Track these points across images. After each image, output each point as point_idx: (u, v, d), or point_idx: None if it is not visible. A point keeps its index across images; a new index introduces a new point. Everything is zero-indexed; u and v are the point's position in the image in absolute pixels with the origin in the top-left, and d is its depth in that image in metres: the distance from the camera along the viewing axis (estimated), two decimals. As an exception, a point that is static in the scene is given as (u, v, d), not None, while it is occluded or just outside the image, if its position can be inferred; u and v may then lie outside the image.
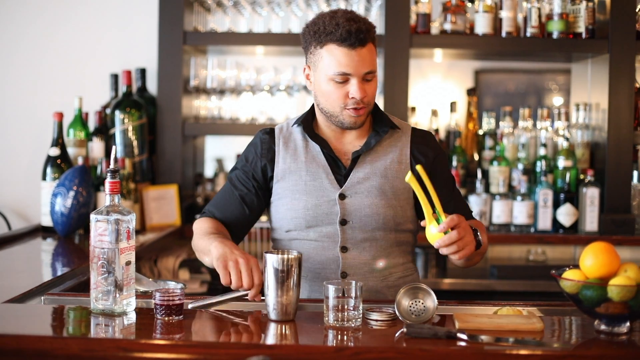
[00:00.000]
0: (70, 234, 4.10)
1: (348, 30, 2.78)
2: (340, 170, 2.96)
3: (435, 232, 2.60)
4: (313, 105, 3.05)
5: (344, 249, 2.93)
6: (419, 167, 2.59)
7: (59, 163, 4.24)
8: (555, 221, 4.66)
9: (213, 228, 2.95)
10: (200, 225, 3.00)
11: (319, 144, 2.97)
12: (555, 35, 4.64)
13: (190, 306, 2.61)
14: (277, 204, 3.01)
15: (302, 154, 2.99)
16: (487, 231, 4.62)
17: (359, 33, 2.79)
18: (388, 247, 2.97)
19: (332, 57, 2.82)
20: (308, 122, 3.02)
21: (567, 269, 2.45)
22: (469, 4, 4.75)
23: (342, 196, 2.92)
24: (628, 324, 2.36)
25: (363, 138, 3.00)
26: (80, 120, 4.49)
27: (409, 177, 2.61)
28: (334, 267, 2.93)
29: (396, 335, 2.34)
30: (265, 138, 3.05)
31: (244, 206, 3.03)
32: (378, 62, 4.79)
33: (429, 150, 3.03)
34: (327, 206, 2.93)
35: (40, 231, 4.26)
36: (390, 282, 2.97)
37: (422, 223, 2.66)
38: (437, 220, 2.61)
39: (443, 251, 2.62)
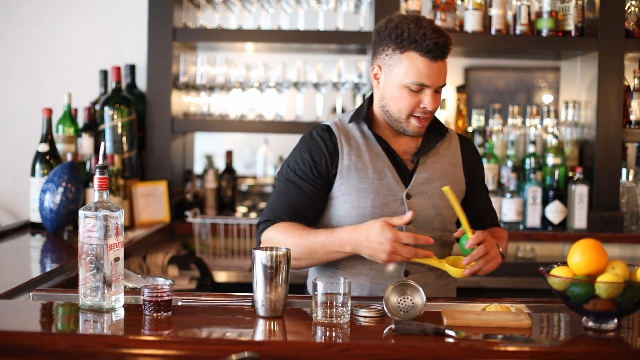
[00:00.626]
0: (59, 230, 4.09)
1: (436, 42, 2.81)
2: (402, 170, 3.00)
3: (466, 247, 2.78)
4: (366, 102, 3.06)
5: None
6: (446, 189, 2.79)
7: (48, 159, 4.23)
8: (544, 218, 4.67)
9: (298, 227, 2.92)
10: (281, 231, 2.92)
11: (381, 143, 3.00)
12: (544, 33, 4.64)
13: (180, 302, 2.61)
14: (339, 201, 2.98)
15: (366, 151, 2.99)
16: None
17: (444, 47, 2.84)
18: (442, 246, 3.00)
19: (413, 66, 2.85)
20: (369, 120, 3.02)
21: (555, 265, 2.45)
22: (459, 2, 4.76)
23: (408, 196, 2.96)
24: (615, 320, 2.37)
25: (417, 139, 3.05)
26: (70, 116, 4.48)
27: (447, 189, 2.79)
28: (396, 265, 2.91)
29: (384, 331, 2.34)
30: (325, 134, 3.01)
31: (313, 206, 2.99)
32: (367, 60, 4.81)
33: (475, 156, 3.17)
34: (394, 205, 2.95)
35: (29, 227, 4.26)
36: (444, 280, 3.03)
37: (455, 234, 2.85)
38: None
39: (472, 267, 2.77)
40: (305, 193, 2.96)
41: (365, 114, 3.02)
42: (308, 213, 2.97)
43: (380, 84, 2.97)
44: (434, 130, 3.06)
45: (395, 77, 2.89)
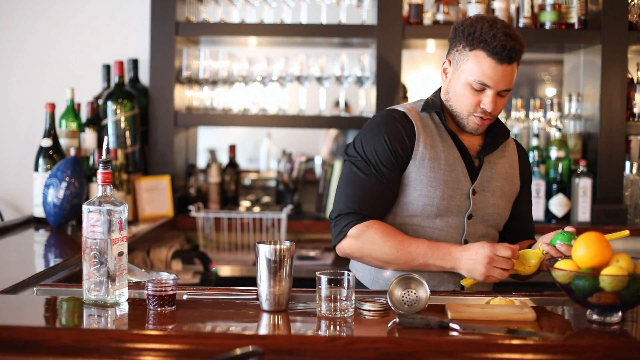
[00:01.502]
0: (63, 225, 4.09)
1: (503, 45, 2.83)
2: (470, 165, 3.02)
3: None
4: (438, 95, 3.07)
5: (465, 241, 2.99)
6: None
7: (51, 154, 4.23)
8: (547, 211, 4.67)
9: (396, 232, 2.93)
10: (377, 233, 2.91)
11: (453, 137, 3.02)
12: (547, 26, 4.63)
13: (185, 297, 2.61)
14: (408, 187, 2.98)
15: (439, 141, 3.00)
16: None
17: (512, 52, 2.85)
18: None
19: (478, 65, 2.87)
20: (441, 111, 3.04)
21: (560, 259, 2.46)
22: (462, -5, 4.76)
23: (473, 191, 2.99)
24: (620, 313, 2.37)
25: (479, 137, 3.08)
26: (73, 111, 4.48)
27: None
28: None
29: (388, 325, 2.34)
30: (403, 119, 3.00)
31: (393, 193, 2.98)
32: (370, 53, 4.81)
33: (528, 163, 3.23)
34: (461, 199, 2.98)
35: (33, 222, 4.26)
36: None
37: (568, 228, 2.87)
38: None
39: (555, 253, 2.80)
40: (388, 182, 2.95)
41: (439, 104, 3.03)
42: (389, 204, 2.98)
43: (447, 78, 3.01)
44: (498, 131, 3.09)
45: (461, 74, 2.93)
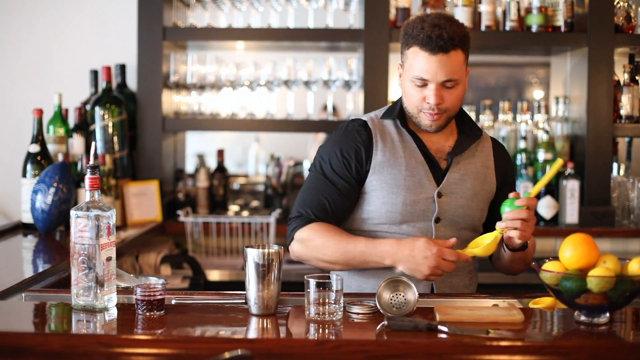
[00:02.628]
0: (51, 231, 4.09)
1: (429, 35, 2.81)
2: (435, 168, 2.99)
3: (516, 203, 2.79)
4: (400, 100, 3.06)
5: None
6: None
7: (39, 160, 4.23)
8: (535, 214, 4.66)
9: (336, 231, 2.93)
10: (318, 234, 2.93)
11: (415, 140, 3.00)
12: (534, 29, 4.65)
13: (174, 301, 2.61)
14: (371, 196, 2.98)
15: (400, 148, 2.99)
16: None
17: (440, 40, 2.80)
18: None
19: (414, 60, 2.87)
20: (402, 116, 3.02)
21: (547, 260, 2.46)
22: (448, -2, 4.77)
23: (439, 194, 2.96)
24: (607, 314, 2.38)
25: (450, 138, 3.05)
26: (60, 116, 4.48)
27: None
28: None
29: (377, 328, 2.35)
30: (361, 129, 3.01)
31: (345, 203, 2.98)
32: (357, 57, 4.81)
33: (507, 160, 3.17)
34: (425, 203, 2.95)
35: (21, 228, 4.25)
36: (467, 281, 3.06)
37: (511, 194, 2.84)
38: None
39: (507, 224, 2.79)
40: (339, 190, 2.97)
41: (398, 110, 3.02)
42: (340, 210, 2.98)
43: (401, 81, 3.00)
44: (469, 131, 3.06)
45: (405, 73, 2.93)
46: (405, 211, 2.94)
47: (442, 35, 2.80)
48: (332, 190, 2.96)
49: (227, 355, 1.95)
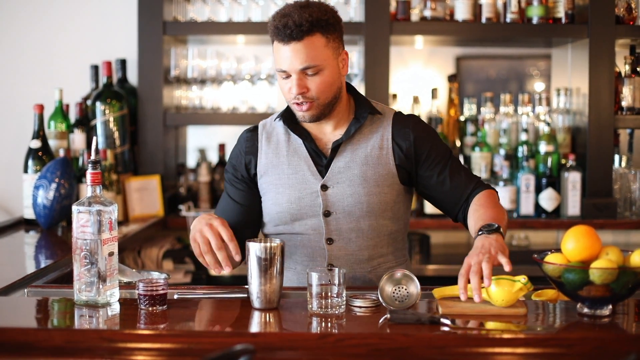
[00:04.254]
0: (53, 226, 4.09)
1: (276, 26, 2.76)
2: (322, 161, 2.92)
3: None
4: None
5: (329, 240, 2.90)
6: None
7: (41, 155, 4.23)
8: (537, 206, 4.68)
9: None
10: None
11: (300, 136, 2.93)
12: (535, 21, 4.65)
13: (176, 296, 2.61)
14: (264, 200, 2.99)
15: (284, 147, 2.95)
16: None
17: (286, 28, 2.74)
18: (375, 236, 2.92)
19: (276, 53, 2.81)
20: (289, 115, 2.96)
21: (549, 252, 2.46)
22: (449, -9, 4.77)
23: (324, 187, 2.89)
24: (610, 306, 2.38)
25: (344, 127, 2.94)
26: (61, 112, 4.48)
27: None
28: (320, 259, 2.91)
29: (380, 321, 2.35)
30: (248, 136, 3.02)
31: (239, 205, 2.99)
32: (357, 50, 4.81)
33: (409, 132, 2.93)
34: (310, 198, 2.90)
35: (23, 224, 4.25)
36: (380, 272, 2.87)
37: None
38: None
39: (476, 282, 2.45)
40: (231, 198, 3.01)
41: (287, 109, 2.97)
42: (235, 213, 2.98)
43: None
44: (359, 115, 2.94)
45: (275, 68, 2.88)
46: (292, 209, 2.91)
47: (288, 23, 2.74)
48: (227, 198, 3.02)
49: (233, 348, 1.95)
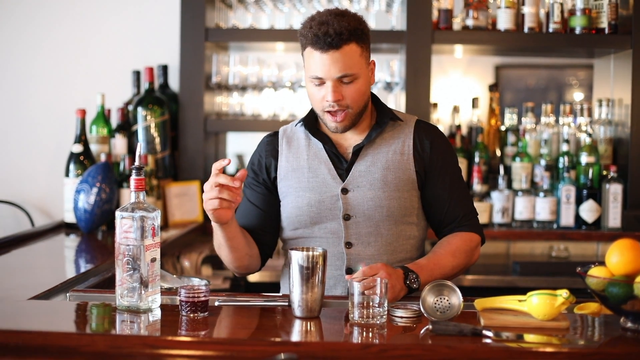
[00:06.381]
0: (93, 231, 4.12)
1: (316, 34, 2.78)
2: (342, 165, 2.96)
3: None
4: None
5: (348, 244, 2.92)
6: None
7: (82, 160, 4.26)
8: (577, 217, 4.65)
9: None
10: None
11: (320, 140, 2.97)
12: (577, 31, 4.62)
13: (217, 303, 2.61)
14: (283, 203, 3.01)
15: (305, 151, 2.99)
16: (509, 227, 4.62)
17: (327, 37, 2.76)
18: (394, 241, 2.94)
19: (309, 61, 2.83)
20: (310, 120, 3.01)
21: (593, 265, 2.44)
22: (491, 0, 4.75)
23: (344, 190, 2.92)
24: (655, 321, 2.36)
25: (365, 132, 2.98)
26: (103, 117, 4.51)
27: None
28: (339, 263, 2.93)
29: (421, 332, 2.34)
30: (269, 140, 3.07)
31: (259, 209, 3.03)
32: (399, 58, 4.80)
33: (434, 145, 2.99)
34: (330, 202, 2.93)
35: (63, 227, 4.29)
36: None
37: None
38: None
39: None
40: (251, 202, 3.05)
41: (309, 114, 3.03)
42: (254, 217, 3.03)
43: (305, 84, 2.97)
44: (380, 120, 2.98)
45: (305, 75, 2.90)
46: (312, 212, 2.93)
47: (328, 32, 2.76)
48: (246, 202, 3.05)
49: (273, 358, 1.94)
